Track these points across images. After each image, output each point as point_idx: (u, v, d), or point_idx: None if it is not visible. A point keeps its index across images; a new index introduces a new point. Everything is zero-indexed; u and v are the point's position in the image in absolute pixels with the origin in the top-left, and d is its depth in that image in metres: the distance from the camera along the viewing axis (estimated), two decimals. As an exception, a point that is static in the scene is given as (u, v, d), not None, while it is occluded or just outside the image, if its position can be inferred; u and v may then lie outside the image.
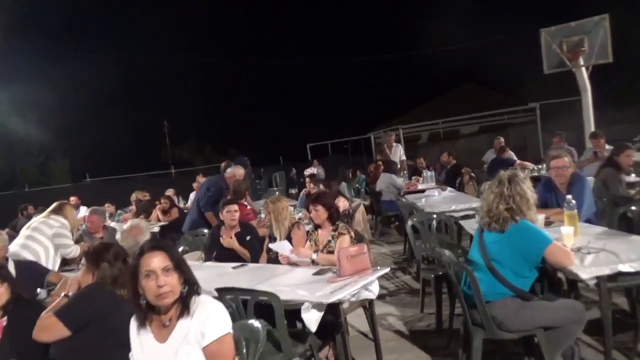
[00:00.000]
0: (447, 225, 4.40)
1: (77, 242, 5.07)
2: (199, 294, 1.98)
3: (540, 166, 7.91)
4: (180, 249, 4.90)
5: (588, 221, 3.73)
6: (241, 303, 2.71)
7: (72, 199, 10.45)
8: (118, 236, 3.04)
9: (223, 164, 8.08)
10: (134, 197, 9.60)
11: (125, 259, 2.44)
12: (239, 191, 5.57)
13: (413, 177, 9.42)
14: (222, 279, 3.43)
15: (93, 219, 5.17)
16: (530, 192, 2.79)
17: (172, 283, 1.87)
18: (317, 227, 3.79)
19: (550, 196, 3.99)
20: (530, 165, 8.23)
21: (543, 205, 4.04)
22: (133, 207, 9.30)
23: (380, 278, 5.56)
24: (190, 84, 37.42)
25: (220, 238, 4.45)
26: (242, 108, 36.50)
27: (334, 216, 3.72)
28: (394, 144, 10.49)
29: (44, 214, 4.43)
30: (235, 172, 6.11)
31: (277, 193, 12.99)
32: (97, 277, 2.39)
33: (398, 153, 10.51)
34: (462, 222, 4.31)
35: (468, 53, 30.46)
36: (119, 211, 9.86)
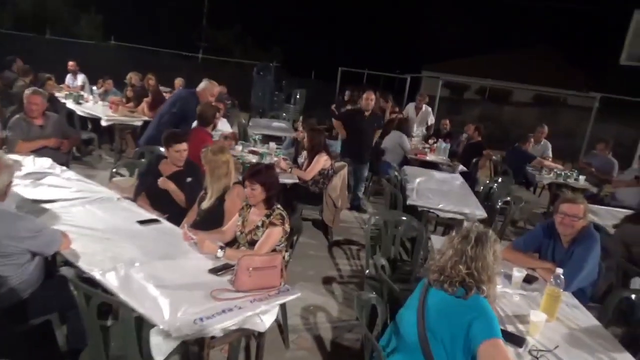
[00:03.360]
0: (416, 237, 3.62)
1: (12, 129, 4.50)
2: None
3: (569, 172, 6.85)
4: (115, 171, 4.29)
5: (580, 292, 2.92)
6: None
7: (70, 63, 9.85)
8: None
9: None
10: (130, 78, 8.86)
11: None
12: (204, 117, 4.73)
13: (430, 140, 8.43)
14: (113, 237, 2.84)
15: (36, 100, 4.45)
16: (496, 265, 2.08)
17: None
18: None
19: (547, 244, 3.15)
20: (555, 166, 7.13)
21: (535, 250, 3.24)
22: (129, 90, 8.61)
23: (322, 264, 4.87)
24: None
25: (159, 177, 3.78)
26: (294, 11, 33.70)
27: (272, 199, 3.00)
28: (424, 106, 9.44)
29: None
30: (208, 88, 5.12)
31: (288, 112, 12.08)
32: None
33: (427, 118, 9.52)
34: (433, 238, 3.51)
35: (553, 12, 27.27)
36: (114, 89, 9.20)
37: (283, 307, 3.04)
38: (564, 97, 18.94)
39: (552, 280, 2.48)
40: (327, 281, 4.39)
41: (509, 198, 4.90)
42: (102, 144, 8.31)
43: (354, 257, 5.05)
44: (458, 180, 5.69)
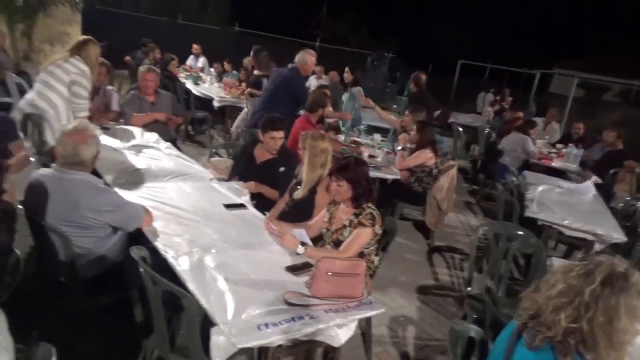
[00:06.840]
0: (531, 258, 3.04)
1: (126, 104, 4.67)
2: None
3: None
4: (214, 151, 4.25)
5: None
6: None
7: (195, 46, 10.33)
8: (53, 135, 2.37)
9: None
10: (246, 62, 9.05)
11: None
12: (317, 102, 4.50)
13: (558, 145, 7.45)
14: (196, 219, 2.73)
15: (149, 77, 4.53)
16: (628, 329, 1.37)
17: None
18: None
19: None
20: None
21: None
22: (242, 73, 8.81)
23: (419, 271, 4.38)
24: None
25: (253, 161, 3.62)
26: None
27: (360, 198, 2.65)
28: (554, 122, 8.29)
29: (62, 53, 3.69)
30: (308, 59, 4.76)
31: (400, 104, 11.54)
32: None
33: (554, 134, 8.33)
34: (555, 260, 2.92)
35: None
36: (234, 71, 9.47)
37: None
38: None
39: None
40: (422, 291, 3.96)
41: (657, 221, 4.03)
42: (216, 124, 8.63)
43: (455, 267, 4.54)
44: (591, 192, 4.84)
